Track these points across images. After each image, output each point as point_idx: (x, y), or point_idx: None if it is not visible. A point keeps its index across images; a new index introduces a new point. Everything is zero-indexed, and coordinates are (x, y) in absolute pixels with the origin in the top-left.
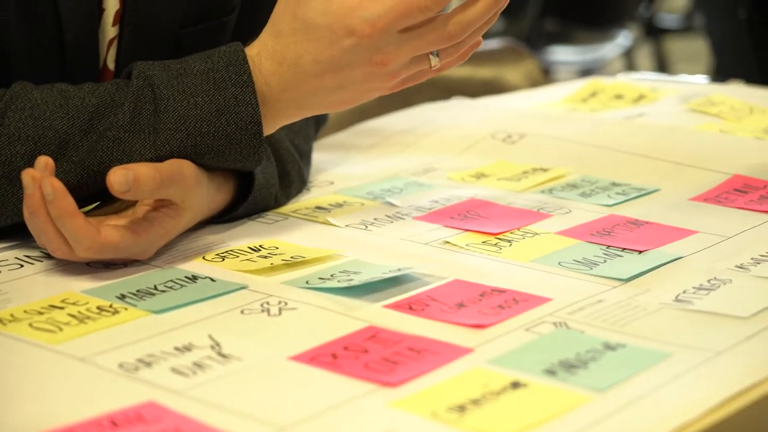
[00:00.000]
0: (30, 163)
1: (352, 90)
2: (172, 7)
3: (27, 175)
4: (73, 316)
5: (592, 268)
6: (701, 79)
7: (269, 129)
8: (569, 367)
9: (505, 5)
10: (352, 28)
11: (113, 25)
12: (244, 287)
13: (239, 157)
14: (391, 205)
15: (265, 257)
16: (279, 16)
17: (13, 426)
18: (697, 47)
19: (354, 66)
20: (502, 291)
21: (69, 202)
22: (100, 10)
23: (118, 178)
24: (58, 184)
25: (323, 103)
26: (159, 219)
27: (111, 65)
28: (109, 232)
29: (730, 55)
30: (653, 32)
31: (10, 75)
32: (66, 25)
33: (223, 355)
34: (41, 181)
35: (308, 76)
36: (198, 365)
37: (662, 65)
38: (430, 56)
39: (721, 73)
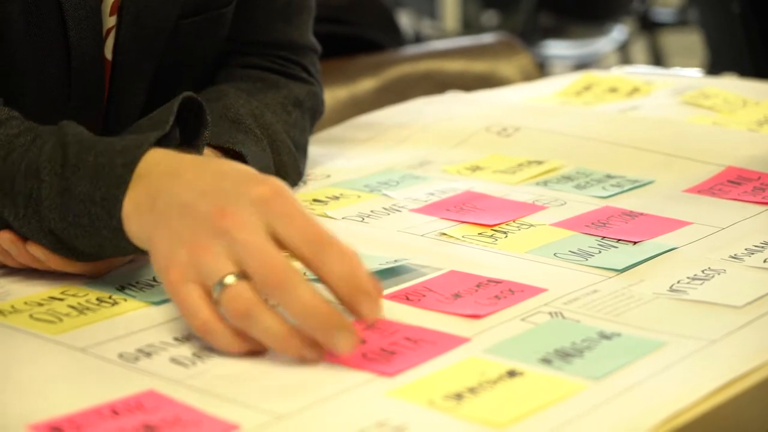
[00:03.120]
0: None
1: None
2: None
3: (3, 240)
4: (73, 307)
5: (587, 259)
6: (695, 73)
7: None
8: (565, 355)
9: None
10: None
11: (111, 15)
12: None
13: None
14: (388, 197)
15: None
16: None
17: (14, 416)
18: (691, 41)
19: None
20: (498, 281)
21: (59, 257)
22: (100, 2)
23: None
24: (39, 247)
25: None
26: None
27: (108, 55)
28: None
29: (724, 48)
30: (648, 26)
31: (15, 74)
32: (70, 22)
33: None
34: (25, 247)
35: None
36: (197, 355)
37: (657, 59)
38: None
39: (715, 67)
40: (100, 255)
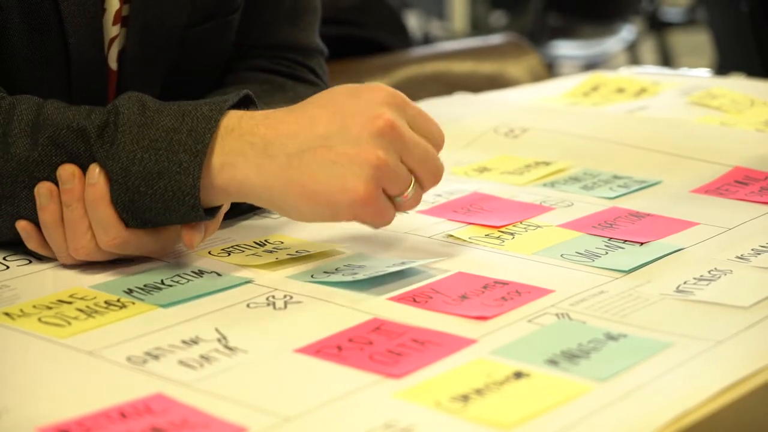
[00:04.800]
0: None
1: (313, 166)
2: (178, 8)
3: (66, 171)
4: (81, 310)
5: (594, 260)
6: (702, 73)
7: (217, 197)
8: (571, 357)
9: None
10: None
11: (113, 24)
12: (249, 281)
13: (177, 220)
14: None
15: (271, 252)
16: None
17: (23, 419)
18: (700, 41)
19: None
20: (504, 283)
21: (107, 191)
22: (101, 11)
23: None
24: (103, 171)
25: (284, 173)
26: None
27: (113, 65)
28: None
29: (733, 48)
30: (657, 26)
31: (16, 80)
32: (69, 29)
33: (230, 348)
34: (86, 169)
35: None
36: (205, 358)
37: (666, 59)
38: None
39: (723, 67)
40: (158, 195)
